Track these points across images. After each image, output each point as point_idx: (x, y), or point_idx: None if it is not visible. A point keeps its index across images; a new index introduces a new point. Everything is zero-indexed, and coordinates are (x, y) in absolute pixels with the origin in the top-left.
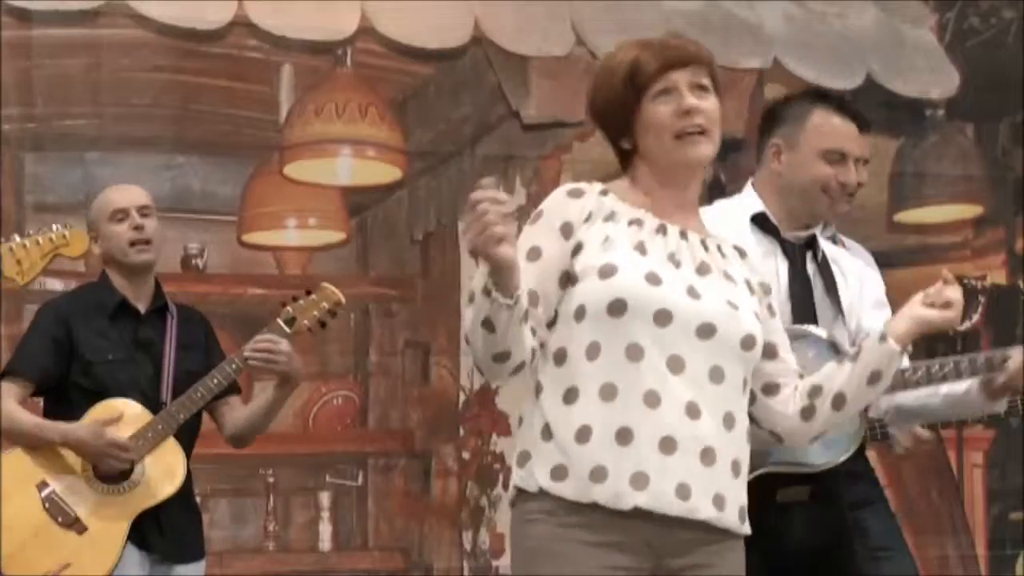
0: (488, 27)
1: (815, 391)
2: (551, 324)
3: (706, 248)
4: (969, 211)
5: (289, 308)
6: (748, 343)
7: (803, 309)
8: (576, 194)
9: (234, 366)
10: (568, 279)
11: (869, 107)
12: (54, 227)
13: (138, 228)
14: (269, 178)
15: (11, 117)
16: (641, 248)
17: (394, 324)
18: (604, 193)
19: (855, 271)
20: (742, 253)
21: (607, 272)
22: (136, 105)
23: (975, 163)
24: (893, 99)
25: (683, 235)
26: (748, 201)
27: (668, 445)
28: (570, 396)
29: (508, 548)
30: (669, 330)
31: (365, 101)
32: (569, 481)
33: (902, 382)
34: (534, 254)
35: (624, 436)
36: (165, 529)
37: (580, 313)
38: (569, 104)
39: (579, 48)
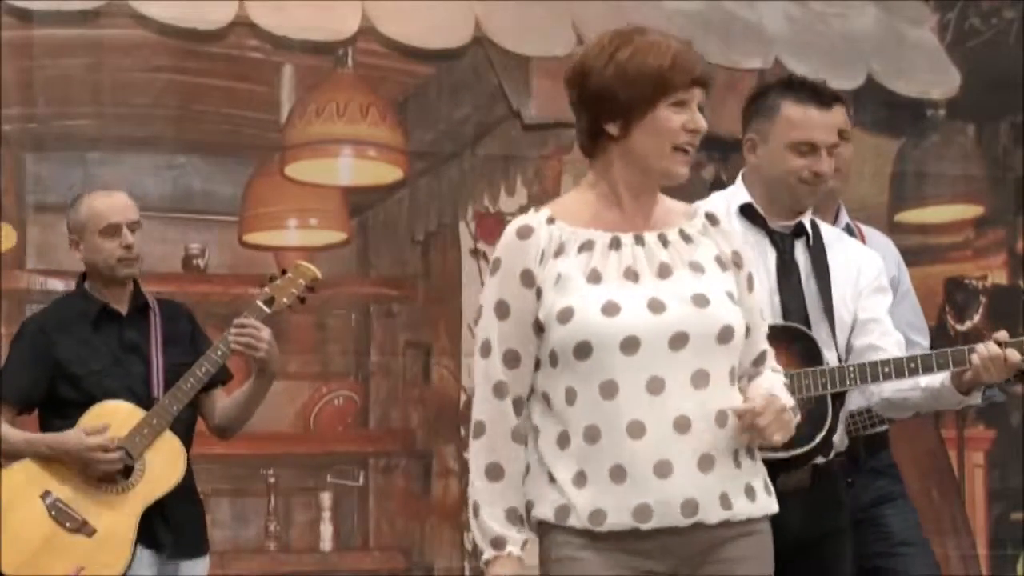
0: (489, 27)
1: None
2: (537, 366)
3: (666, 243)
4: (970, 211)
5: (267, 288)
6: (726, 335)
7: (793, 301)
8: (525, 234)
9: (220, 352)
10: (539, 327)
11: (870, 107)
12: None
13: (128, 247)
14: (270, 178)
15: (12, 117)
16: (595, 276)
17: (395, 324)
18: (551, 221)
19: (851, 258)
20: (714, 220)
21: (565, 317)
22: (137, 105)
23: (976, 163)
24: (894, 99)
25: (638, 241)
26: (737, 193)
27: (663, 468)
28: (562, 441)
29: None
30: (640, 354)
31: (366, 101)
32: (572, 519)
33: (876, 375)
34: (503, 311)
35: (618, 474)
36: (172, 526)
37: (554, 359)
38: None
39: (580, 48)
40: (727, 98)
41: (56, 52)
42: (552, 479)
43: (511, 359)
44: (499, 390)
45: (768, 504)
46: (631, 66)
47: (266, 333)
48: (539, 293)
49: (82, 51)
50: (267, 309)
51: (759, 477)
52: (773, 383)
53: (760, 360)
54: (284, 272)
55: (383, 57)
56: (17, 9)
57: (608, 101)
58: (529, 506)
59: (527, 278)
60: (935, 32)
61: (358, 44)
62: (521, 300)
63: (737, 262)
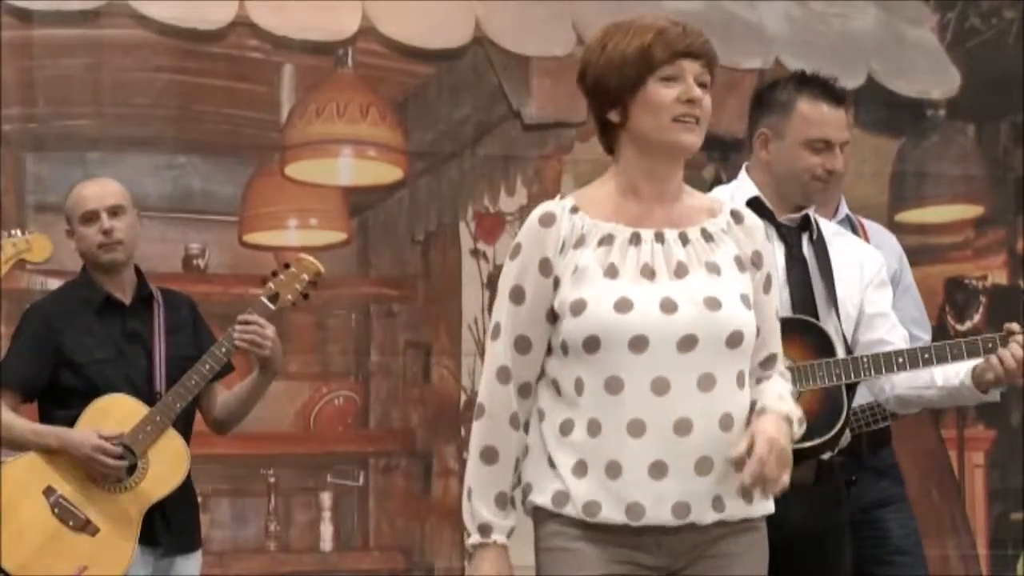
0: (489, 27)
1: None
2: (548, 351)
3: (686, 241)
4: (970, 211)
5: (270, 284)
6: (735, 340)
7: (801, 295)
8: (548, 222)
9: (224, 349)
10: (553, 315)
11: (870, 107)
12: (16, 232)
13: (106, 232)
14: (270, 178)
15: (12, 117)
16: (612, 271)
17: (395, 324)
18: (575, 211)
19: (852, 253)
20: (738, 218)
21: (577, 309)
22: (137, 105)
23: (976, 163)
24: (894, 99)
25: (658, 238)
26: (743, 187)
27: (659, 469)
28: (565, 428)
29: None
30: (648, 354)
31: (366, 101)
32: (569, 507)
33: (891, 366)
34: (518, 296)
35: (613, 470)
36: (171, 523)
37: (565, 349)
38: (570, 104)
39: (580, 48)
40: (727, 98)
41: (56, 52)
42: (552, 464)
43: (522, 345)
44: (503, 375)
45: (764, 505)
46: (617, 50)
47: (270, 330)
48: (556, 282)
49: (82, 51)
50: (271, 306)
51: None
52: (773, 399)
53: (769, 363)
54: (287, 266)
55: (383, 57)
56: (17, 9)
57: (604, 90)
58: (527, 489)
59: (545, 267)
60: (935, 32)
61: (358, 44)
62: (537, 287)
63: (756, 262)
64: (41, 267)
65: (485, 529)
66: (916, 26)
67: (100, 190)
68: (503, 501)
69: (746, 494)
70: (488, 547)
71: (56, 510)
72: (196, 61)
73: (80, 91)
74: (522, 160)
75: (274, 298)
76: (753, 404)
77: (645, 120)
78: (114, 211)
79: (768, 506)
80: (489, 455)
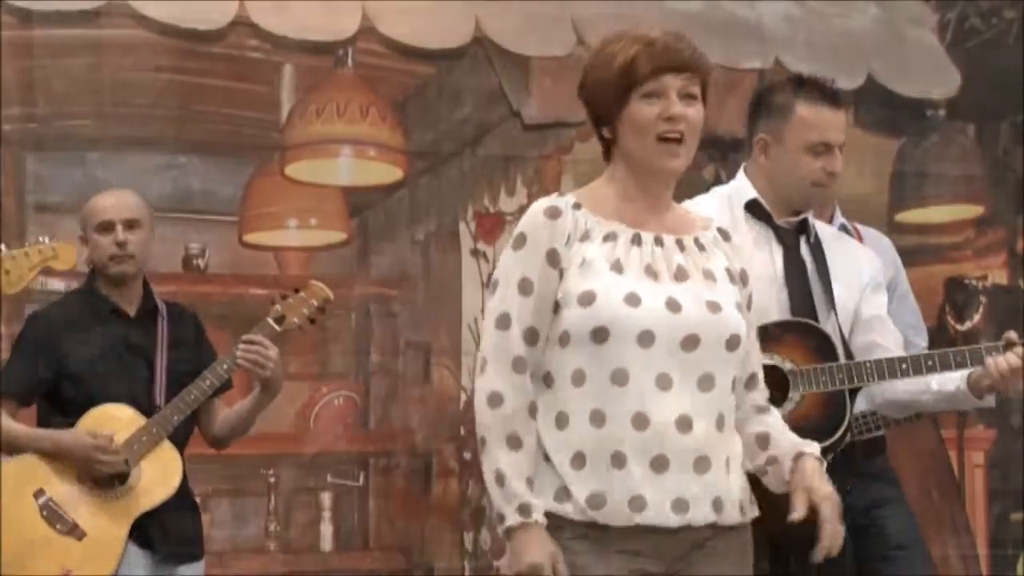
0: (489, 27)
1: (762, 440)
2: None
3: (682, 248)
4: (970, 211)
5: (278, 306)
6: (733, 343)
7: (800, 296)
8: (553, 214)
9: (226, 366)
10: (556, 306)
11: (870, 107)
12: (44, 240)
13: (120, 244)
14: (270, 178)
15: (12, 117)
16: (618, 266)
17: (395, 324)
18: (577, 207)
19: (851, 256)
20: (725, 236)
21: (586, 300)
22: (137, 105)
23: (976, 163)
24: (894, 99)
25: (658, 241)
26: (741, 188)
27: (660, 463)
28: (561, 421)
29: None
30: (653, 349)
31: (366, 101)
32: (571, 503)
33: (894, 371)
34: (527, 287)
35: (618, 460)
36: (167, 531)
37: (564, 339)
38: (570, 104)
39: (580, 48)
40: (727, 98)
41: (56, 52)
42: (548, 459)
43: (531, 336)
44: (519, 364)
45: (753, 511)
46: (603, 68)
47: (273, 352)
48: (561, 274)
49: (82, 51)
50: (277, 327)
51: (746, 489)
52: (796, 439)
53: (752, 383)
54: (296, 291)
55: (383, 57)
56: (17, 9)
57: (596, 106)
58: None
59: (553, 258)
60: (935, 32)
61: (358, 44)
62: (545, 279)
63: (743, 279)
64: None
65: (525, 509)
66: (916, 26)
67: (119, 202)
68: (532, 485)
69: (743, 506)
70: (531, 527)
71: (44, 512)
72: (196, 61)
73: (80, 91)
74: (522, 160)
75: (280, 320)
76: (763, 436)
77: (631, 140)
78: (130, 224)
79: (755, 510)
80: (514, 442)
